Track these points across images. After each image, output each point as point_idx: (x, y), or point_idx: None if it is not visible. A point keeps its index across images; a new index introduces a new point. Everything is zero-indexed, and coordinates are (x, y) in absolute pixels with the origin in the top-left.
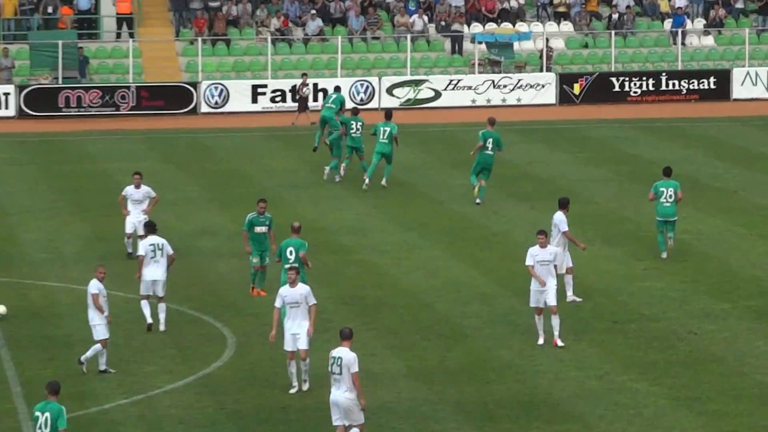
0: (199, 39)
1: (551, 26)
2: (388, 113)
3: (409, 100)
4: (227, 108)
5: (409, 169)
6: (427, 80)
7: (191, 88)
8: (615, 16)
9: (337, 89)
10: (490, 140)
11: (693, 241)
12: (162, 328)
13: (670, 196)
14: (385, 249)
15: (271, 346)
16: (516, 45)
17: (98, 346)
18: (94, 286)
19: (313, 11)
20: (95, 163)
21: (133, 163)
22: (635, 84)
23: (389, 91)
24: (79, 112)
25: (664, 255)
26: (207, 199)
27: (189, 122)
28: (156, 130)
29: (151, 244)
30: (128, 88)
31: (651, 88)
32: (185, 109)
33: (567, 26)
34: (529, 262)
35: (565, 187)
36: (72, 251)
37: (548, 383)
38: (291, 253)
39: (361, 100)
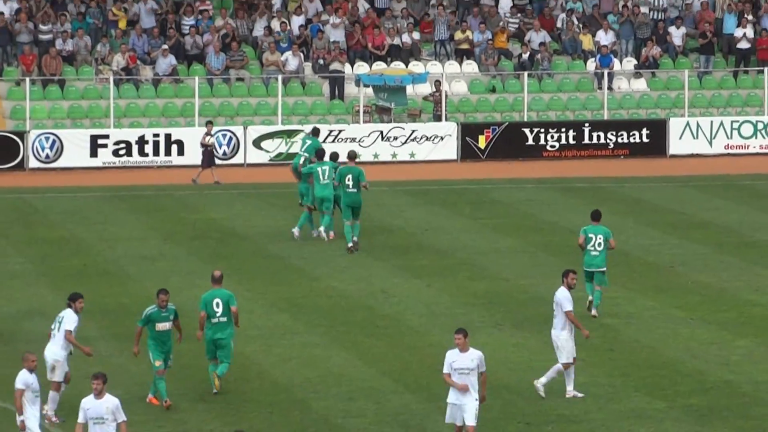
0: (27, 79)
1: (452, 66)
2: (321, 153)
3: (280, 154)
4: (60, 163)
5: (280, 237)
6: (302, 131)
7: (17, 139)
8: (527, 54)
9: (315, 132)
10: (350, 176)
11: (621, 327)
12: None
13: (599, 245)
14: (250, 334)
15: None
16: (409, 89)
17: None
18: (22, 380)
19: (165, 47)
20: None
21: None
22: (552, 136)
23: (257, 143)
24: None
25: (594, 312)
26: (35, 273)
27: (13, 179)
28: None
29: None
30: None
31: (571, 141)
32: (9, 164)
33: (471, 66)
34: (446, 369)
35: (467, 261)
36: None
37: None
38: (218, 305)
39: (224, 153)
